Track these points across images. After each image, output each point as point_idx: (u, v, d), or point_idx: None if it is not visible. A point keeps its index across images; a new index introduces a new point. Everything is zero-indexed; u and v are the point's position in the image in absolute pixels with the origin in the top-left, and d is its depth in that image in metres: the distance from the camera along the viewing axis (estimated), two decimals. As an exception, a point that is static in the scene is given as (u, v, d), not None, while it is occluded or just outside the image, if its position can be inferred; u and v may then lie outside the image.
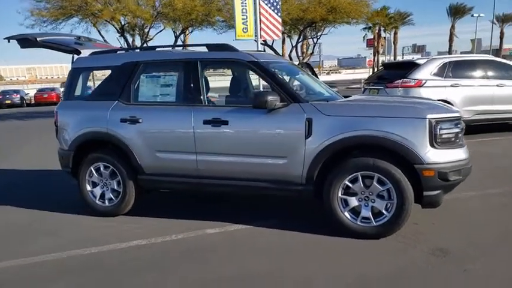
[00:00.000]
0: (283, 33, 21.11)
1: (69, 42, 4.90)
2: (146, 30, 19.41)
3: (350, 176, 3.55)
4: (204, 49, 4.32)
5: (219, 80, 6.68)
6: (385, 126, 3.42)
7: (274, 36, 14.96)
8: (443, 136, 3.44)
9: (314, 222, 4.03)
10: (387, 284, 2.88)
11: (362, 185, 3.54)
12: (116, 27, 18.21)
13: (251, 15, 14.56)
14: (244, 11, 14.59)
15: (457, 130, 3.55)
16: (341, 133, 3.51)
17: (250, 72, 4.61)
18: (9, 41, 5.03)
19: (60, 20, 17.56)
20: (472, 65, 8.67)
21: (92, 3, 16.06)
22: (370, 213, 3.56)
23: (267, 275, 3.07)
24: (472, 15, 46.75)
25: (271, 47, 20.66)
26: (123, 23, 18.05)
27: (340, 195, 3.61)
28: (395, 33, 47.55)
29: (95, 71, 4.97)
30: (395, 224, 3.49)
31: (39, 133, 13.50)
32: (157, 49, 4.53)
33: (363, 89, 9.67)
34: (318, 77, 5.33)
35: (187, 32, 20.38)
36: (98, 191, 4.51)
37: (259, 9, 14.52)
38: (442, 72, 8.38)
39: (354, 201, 3.60)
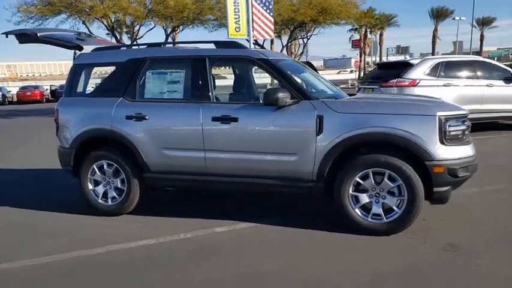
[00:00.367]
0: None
1: (71, 37, 4.81)
2: (136, 28, 19.23)
3: (361, 173, 3.57)
4: (204, 46, 4.31)
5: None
6: (396, 123, 3.45)
7: (267, 35, 15.00)
8: (452, 133, 3.49)
9: (322, 219, 4.04)
10: (402, 280, 2.90)
11: (373, 182, 3.57)
12: (105, 25, 17.97)
13: (243, 14, 14.56)
14: (236, 10, 14.56)
15: (464, 127, 3.60)
16: (352, 130, 3.53)
17: (254, 69, 4.62)
18: (7, 36, 4.91)
19: (47, 17, 17.24)
20: (463, 65, 8.85)
21: (83, 0, 15.82)
22: (381, 209, 3.58)
23: (278, 273, 3.05)
24: (454, 18, 47.74)
25: (261, 46, 20.69)
26: (113, 21, 17.82)
27: (351, 192, 3.62)
28: (380, 35, 48.17)
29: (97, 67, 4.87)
30: (407, 220, 3.52)
31: (28, 132, 13.25)
32: (162, 46, 4.48)
33: (357, 88, 9.76)
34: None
35: (177, 30, 20.24)
36: (100, 189, 4.42)
37: (252, 8, 14.53)
38: (435, 72, 8.52)
39: (365, 198, 3.61)
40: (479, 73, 8.81)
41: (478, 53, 52.56)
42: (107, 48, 4.76)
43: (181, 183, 4.22)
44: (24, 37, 4.81)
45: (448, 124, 3.44)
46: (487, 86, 8.69)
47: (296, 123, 3.71)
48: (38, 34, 4.63)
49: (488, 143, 7.92)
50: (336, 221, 3.83)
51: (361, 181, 3.59)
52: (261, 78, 5.60)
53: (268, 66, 3.91)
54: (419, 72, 8.41)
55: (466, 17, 45.10)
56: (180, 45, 4.53)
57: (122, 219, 4.33)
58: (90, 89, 4.75)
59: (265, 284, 2.94)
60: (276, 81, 4.00)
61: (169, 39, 19.55)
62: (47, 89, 36.68)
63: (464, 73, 8.71)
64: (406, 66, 8.65)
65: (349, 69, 63.55)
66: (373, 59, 51.91)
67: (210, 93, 4.04)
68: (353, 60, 78.42)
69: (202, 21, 19.64)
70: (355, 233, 3.63)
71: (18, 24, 17.14)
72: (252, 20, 14.70)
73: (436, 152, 3.41)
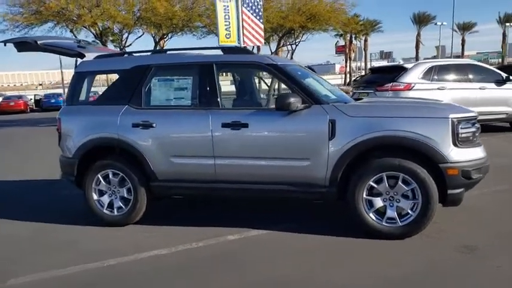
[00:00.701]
0: (261, 39, 21.19)
1: (72, 45, 4.71)
2: (125, 36, 19.07)
3: (375, 177, 3.56)
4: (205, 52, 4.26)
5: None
6: (410, 126, 3.46)
7: (257, 42, 15.03)
8: (464, 135, 3.51)
9: (334, 224, 4.02)
10: (423, 283, 2.89)
11: (387, 186, 3.56)
12: (93, 33, 17.76)
13: (234, 21, 14.60)
14: (227, 17, 14.59)
15: (474, 129, 3.63)
16: (366, 134, 3.52)
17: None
18: (5, 45, 4.80)
19: (34, 25, 16.97)
20: (456, 68, 8.99)
21: (72, 9, 15.61)
22: (395, 213, 3.57)
23: (301, 280, 3.01)
24: (436, 24, 48.68)
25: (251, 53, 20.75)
26: (101, 29, 17.64)
27: (365, 196, 3.60)
28: (365, 40, 48.81)
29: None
30: (421, 223, 3.52)
31: (14, 142, 12.97)
32: (168, 52, 4.42)
33: (351, 93, 9.83)
34: None
35: (166, 37, 20.15)
36: (105, 199, 4.32)
37: (242, 15, 14.57)
38: (429, 75, 8.63)
39: (379, 202, 3.60)
40: (471, 76, 8.96)
41: (459, 57, 53.67)
42: (110, 55, 4.68)
43: (190, 191, 4.15)
44: (24, 45, 4.69)
45: (460, 126, 3.47)
46: (479, 88, 8.83)
47: (308, 128, 3.69)
48: (39, 42, 4.52)
49: (485, 145, 8.01)
50: (348, 225, 3.81)
51: (375, 185, 3.58)
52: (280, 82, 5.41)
53: (278, 71, 3.89)
54: (413, 76, 8.51)
55: (448, 22, 46.04)
56: (184, 51, 4.47)
57: (128, 229, 4.23)
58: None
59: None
60: (282, 86, 3.99)
61: (158, 47, 19.46)
62: (31, 99, 36.06)
63: (457, 76, 8.85)
64: (400, 70, 8.75)
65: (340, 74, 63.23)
66: (358, 64, 52.53)
67: (218, 100, 3.99)
68: (337, 66, 79.23)
69: (191, 28, 19.61)
70: (370, 238, 3.62)
71: (4, 33, 16.88)
72: (243, 26, 14.74)
73: (449, 154, 3.42)
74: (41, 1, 16.43)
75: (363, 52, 48.89)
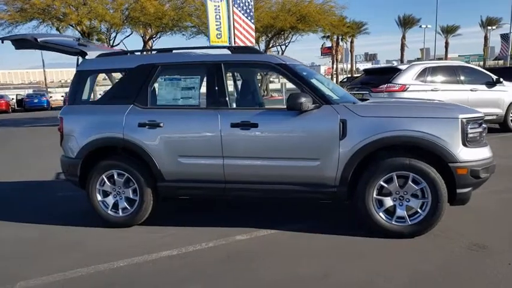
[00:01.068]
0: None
1: (72, 43, 4.62)
2: (113, 35, 18.82)
3: (385, 177, 3.59)
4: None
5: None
6: (420, 126, 3.49)
7: (248, 42, 14.99)
8: (472, 135, 3.57)
9: (341, 223, 4.05)
10: (441, 281, 2.91)
11: (397, 185, 3.59)
12: (79, 32, 17.45)
13: (225, 21, 14.57)
14: (217, 17, 14.55)
15: (481, 129, 3.69)
16: (376, 134, 3.54)
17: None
18: (2, 42, 4.68)
19: (18, 23, 16.61)
20: (449, 70, 9.13)
21: (58, 7, 15.31)
22: (405, 212, 3.61)
23: (321, 278, 3.02)
24: (420, 26, 49.51)
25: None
26: (88, 28, 17.36)
27: (375, 195, 3.63)
28: (351, 42, 49.27)
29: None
30: (431, 222, 3.56)
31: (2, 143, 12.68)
32: (173, 51, 4.37)
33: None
34: None
35: (155, 37, 19.95)
36: (110, 200, 4.25)
37: (233, 15, 14.54)
38: (423, 77, 8.76)
39: (389, 202, 3.63)
40: (463, 78, 9.12)
41: (442, 59, 54.69)
42: (113, 54, 4.60)
43: (198, 191, 4.11)
44: (22, 43, 4.58)
45: (469, 126, 3.52)
46: (471, 90, 8.99)
47: (319, 128, 3.70)
48: (39, 39, 4.42)
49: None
50: (356, 225, 3.85)
51: (385, 184, 3.61)
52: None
53: (288, 71, 3.89)
54: (408, 78, 8.62)
55: (433, 24, 46.84)
56: (190, 50, 4.43)
57: (134, 230, 4.17)
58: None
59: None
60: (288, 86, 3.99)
61: (147, 47, 19.26)
62: (12, 99, 35.30)
63: (450, 78, 9.00)
64: (394, 71, 8.85)
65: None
66: (344, 66, 52.98)
67: (227, 99, 3.97)
68: (322, 68, 79.72)
69: (180, 28, 19.48)
70: (379, 237, 3.64)
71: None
72: (234, 26, 14.72)
73: (459, 154, 3.47)
74: (25, -2, 16.10)
75: (349, 54, 49.35)
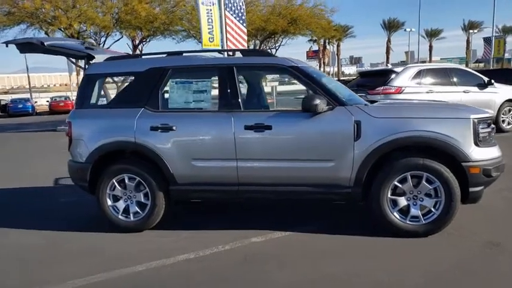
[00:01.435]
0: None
1: (79, 47, 4.58)
2: (103, 39, 18.63)
3: (399, 177, 3.64)
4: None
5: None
6: (433, 127, 3.56)
7: (240, 46, 15.02)
8: (483, 135, 3.65)
9: (353, 224, 4.10)
10: (458, 279, 2.97)
11: (411, 185, 3.65)
12: (69, 36, 17.21)
13: (217, 25, 14.58)
14: (210, 20, 14.54)
15: (490, 129, 3.78)
16: (391, 134, 3.59)
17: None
18: (7, 46, 4.61)
19: (6, 27, 16.31)
20: (443, 72, 9.31)
21: (47, 10, 15.10)
22: (419, 211, 3.67)
23: (343, 278, 3.05)
24: (405, 30, 50.29)
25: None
26: (78, 31, 17.15)
27: (389, 195, 3.68)
28: (338, 46, 49.80)
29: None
30: (444, 221, 3.62)
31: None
32: (184, 54, 4.37)
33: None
34: None
35: (145, 41, 19.84)
36: (121, 205, 4.21)
37: (225, 19, 14.56)
38: (418, 79, 8.91)
39: (403, 201, 3.68)
40: (456, 80, 9.30)
41: (425, 62, 55.63)
42: (121, 57, 4.58)
43: (211, 194, 4.10)
44: (28, 46, 4.53)
45: (480, 126, 3.60)
46: (464, 92, 9.18)
47: (333, 130, 3.73)
48: (45, 43, 4.37)
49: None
50: (370, 225, 3.89)
51: (399, 184, 3.66)
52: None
53: (301, 73, 3.92)
54: (403, 80, 8.76)
55: (417, 28, 47.64)
56: (199, 53, 4.43)
57: (146, 235, 4.14)
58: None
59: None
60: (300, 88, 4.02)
61: (137, 51, 19.13)
62: (-6, 104, 34.64)
63: (444, 80, 9.17)
64: (390, 74, 8.98)
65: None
66: (331, 69, 53.41)
67: (240, 102, 3.98)
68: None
69: (171, 32, 19.42)
70: (393, 236, 3.69)
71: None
72: (226, 30, 14.74)
73: (471, 154, 3.54)
74: (14, 2, 15.84)
75: (336, 57, 49.82)
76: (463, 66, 10.74)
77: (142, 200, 4.16)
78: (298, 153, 3.82)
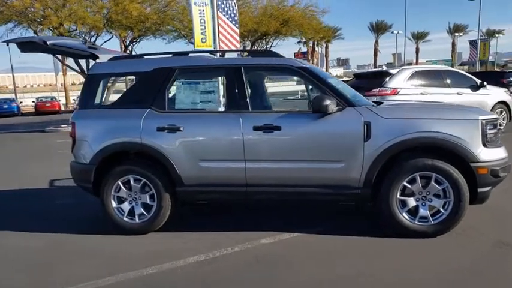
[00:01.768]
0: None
1: (82, 46, 4.50)
2: (92, 39, 18.31)
3: (409, 177, 3.66)
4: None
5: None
6: (442, 127, 3.59)
7: (232, 46, 15.00)
8: (490, 136, 3.69)
9: (360, 224, 4.10)
10: (470, 279, 2.99)
11: (420, 186, 3.67)
12: (57, 35, 16.92)
13: (209, 25, 14.54)
14: (202, 21, 14.50)
15: (496, 130, 3.83)
16: (401, 135, 3.61)
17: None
18: (7, 45, 4.51)
19: (-7, 25, 16.00)
20: (436, 74, 9.42)
21: (37, 9, 14.82)
22: (428, 212, 3.69)
23: (347, 280, 3.05)
24: (392, 32, 50.90)
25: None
26: (68, 31, 16.87)
27: (398, 196, 3.70)
28: (326, 47, 50.11)
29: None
30: (453, 221, 3.65)
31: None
32: (190, 55, 4.33)
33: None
34: None
35: (135, 41, 19.64)
36: (126, 206, 4.14)
37: (218, 20, 14.53)
38: (413, 81, 9.00)
39: (412, 202, 3.70)
40: (450, 82, 9.42)
41: (411, 64, 56.36)
42: (125, 57, 4.51)
43: (218, 195, 4.07)
44: (29, 46, 4.43)
45: (487, 127, 3.64)
46: (457, 93, 9.30)
47: (343, 130, 3.74)
48: (48, 42, 4.28)
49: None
50: (377, 225, 3.91)
51: (408, 185, 3.68)
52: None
53: (309, 74, 3.92)
54: (399, 81, 8.84)
55: (404, 30, 48.21)
56: (205, 54, 4.40)
57: (152, 237, 4.08)
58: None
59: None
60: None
61: (128, 52, 18.90)
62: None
63: (438, 82, 9.27)
64: (386, 75, 9.05)
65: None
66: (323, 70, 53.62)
67: (248, 103, 3.96)
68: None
69: (162, 32, 19.28)
70: (400, 237, 3.71)
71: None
72: (218, 31, 14.70)
73: (479, 154, 3.58)
74: (2, 0, 15.54)
75: (324, 59, 50.08)
76: (455, 68, 10.88)
77: (148, 201, 4.10)
78: (308, 154, 3.81)
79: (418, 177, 3.66)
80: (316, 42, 44.21)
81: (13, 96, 37.96)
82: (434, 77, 9.30)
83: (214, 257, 3.54)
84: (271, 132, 3.82)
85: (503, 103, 10.01)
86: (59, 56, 16.95)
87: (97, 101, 4.35)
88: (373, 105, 4.00)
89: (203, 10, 14.66)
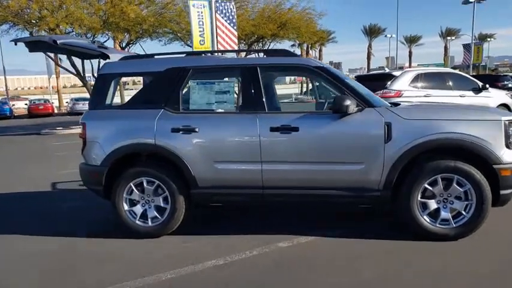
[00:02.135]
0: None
1: (93, 46, 4.40)
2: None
3: (430, 179, 3.60)
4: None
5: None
6: (464, 128, 3.53)
7: (230, 48, 14.93)
8: (512, 137, 3.65)
9: (375, 227, 4.04)
10: (500, 282, 2.94)
11: (441, 188, 3.61)
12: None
13: (208, 27, 14.47)
14: (201, 23, 14.43)
15: None
16: (422, 136, 3.55)
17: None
18: (16, 44, 4.40)
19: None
20: (439, 76, 9.43)
21: (34, 10, 14.60)
22: (449, 214, 3.63)
23: (373, 284, 2.98)
24: (386, 36, 51.16)
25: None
26: (64, 32, 16.65)
27: (419, 198, 3.64)
28: (320, 50, 50.21)
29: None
30: (476, 224, 3.59)
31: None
32: (203, 54, 4.24)
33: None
34: None
35: (131, 43, 19.47)
36: (138, 209, 4.04)
37: (216, 22, 14.46)
38: (416, 83, 8.99)
39: (433, 204, 3.64)
40: (452, 84, 9.43)
41: (402, 68, 56.69)
42: (135, 57, 4.42)
43: (234, 197, 3.98)
44: (38, 45, 4.33)
45: (510, 128, 3.59)
46: (460, 96, 9.31)
47: (363, 131, 3.67)
48: (58, 42, 4.18)
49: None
50: (395, 228, 3.84)
51: (429, 187, 3.62)
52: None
53: (327, 74, 3.85)
54: (402, 84, 8.83)
55: (396, 34, 48.49)
56: (220, 54, 4.32)
57: (165, 240, 3.98)
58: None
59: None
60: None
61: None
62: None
63: (441, 84, 9.28)
64: (389, 78, 9.03)
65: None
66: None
67: (264, 103, 3.88)
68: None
69: (158, 34, 19.15)
70: (421, 239, 3.65)
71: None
72: (217, 33, 14.63)
73: (503, 156, 3.53)
74: (-3, 1, 15.32)
75: (319, 62, 50.11)
76: (458, 71, 10.91)
77: (162, 204, 4.00)
78: (326, 156, 3.74)
79: (440, 179, 3.60)
80: (310, 45, 44.30)
81: (8, 98, 37.46)
82: (437, 79, 9.31)
83: (233, 261, 3.45)
84: (288, 134, 3.74)
85: (505, 105, 10.04)
86: (52, 55, 16.63)
87: (108, 101, 4.24)
88: (391, 106, 3.94)
89: (201, 12, 14.59)
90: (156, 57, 4.38)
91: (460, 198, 3.62)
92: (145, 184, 4.00)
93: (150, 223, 4.04)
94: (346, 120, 3.67)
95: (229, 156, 3.87)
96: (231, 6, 15.46)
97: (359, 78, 10.91)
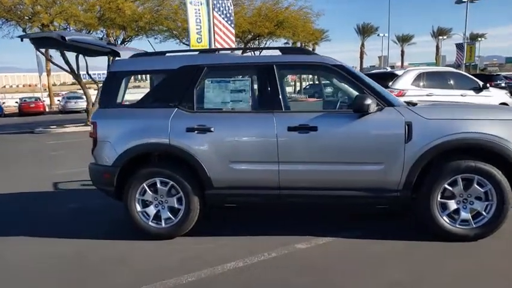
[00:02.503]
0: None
1: (102, 43, 4.29)
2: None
3: (450, 179, 3.57)
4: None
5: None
6: (487, 128, 3.50)
7: (228, 46, 14.81)
8: (531, 137, 3.62)
9: (391, 228, 4.00)
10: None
11: (462, 188, 3.58)
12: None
13: (205, 25, 14.36)
14: (198, 20, 14.30)
15: None
16: (443, 136, 3.50)
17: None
18: (22, 40, 4.26)
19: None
20: (441, 76, 9.45)
21: (27, 5, 14.31)
22: (469, 215, 3.60)
23: (403, 285, 2.93)
24: (378, 35, 51.40)
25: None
26: (59, 29, 16.37)
27: (439, 199, 3.60)
28: (313, 49, 50.22)
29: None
30: (496, 224, 3.56)
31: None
32: (217, 52, 4.15)
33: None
34: None
35: (127, 40, 19.22)
36: (151, 210, 3.95)
37: (213, 19, 14.35)
38: (418, 82, 8.99)
39: (452, 205, 3.61)
40: (453, 83, 9.45)
41: (393, 67, 57.03)
42: (149, 54, 4.31)
43: (249, 198, 3.90)
44: (45, 41, 4.21)
45: (529, 128, 3.57)
46: (461, 95, 9.32)
47: (383, 131, 3.62)
48: (67, 38, 4.05)
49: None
50: (416, 228, 3.80)
51: (449, 187, 3.59)
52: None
53: (345, 72, 3.80)
54: (405, 83, 8.82)
55: (390, 33, 48.76)
56: (233, 52, 4.23)
57: (181, 242, 3.89)
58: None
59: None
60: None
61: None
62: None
63: (442, 83, 9.29)
64: (391, 77, 9.03)
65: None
66: (306, 72, 53.80)
67: (281, 102, 3.81)
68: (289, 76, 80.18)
69: (155, 32, 18.97)
70: (441, 240, 3.61)
71: None
72: (214, 31, 14.51)
73: (523, 156, 3.51)
74: (-11, -3, 15.00)
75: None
76: (459, 70, 10.95)
77: (176, 205, 3.92)
78: (345, 156, 3.68)
79: (460, 180, 3.56)
80: (304, 44, 44.30)
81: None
82: (439, 79, 9.32)
83: (252, 263, 3.38)
84: (306, 133, 3.68)
85: (505, 105, 10.08)
86: (43, 51, 16.31)
87: (119, 99, 4.13)
88: (409, 105, 3.90)
89: (199, 10, 14.46)
90: (167, 54, 4.29)
91: (480, 198, 3.59)
92: (158, 185, 3.90)
93: (163, 224, 3.95)
94: (366, 119, 3.61)
95: (246, 157, 3.79)
96: (229, 4, 15.36)
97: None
